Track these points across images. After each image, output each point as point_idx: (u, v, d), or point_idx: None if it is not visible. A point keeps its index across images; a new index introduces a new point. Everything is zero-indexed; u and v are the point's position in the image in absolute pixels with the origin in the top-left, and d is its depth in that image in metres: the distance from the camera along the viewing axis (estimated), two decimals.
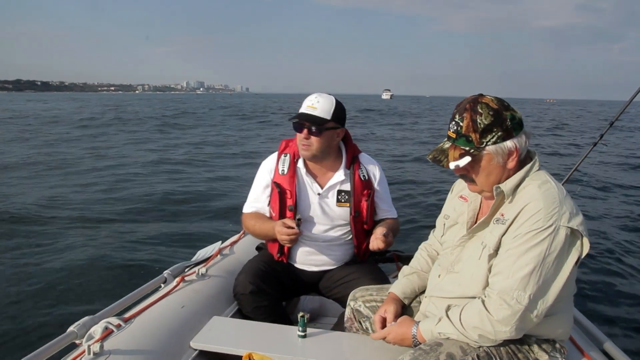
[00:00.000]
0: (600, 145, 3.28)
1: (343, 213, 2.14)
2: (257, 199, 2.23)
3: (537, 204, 1.34)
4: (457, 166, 1.40)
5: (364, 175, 2.16)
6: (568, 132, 23.67)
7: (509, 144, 1.38)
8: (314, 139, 2.04)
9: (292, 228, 1.96)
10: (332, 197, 2.15)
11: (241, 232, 2.84)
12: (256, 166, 2.29)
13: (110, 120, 26.50)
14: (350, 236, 2.18)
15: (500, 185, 1.42)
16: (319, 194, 2.14)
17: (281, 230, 1.98)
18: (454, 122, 1.41)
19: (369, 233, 2.13)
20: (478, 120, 1.36)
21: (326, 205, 2.15)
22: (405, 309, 1.74)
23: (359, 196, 2.14)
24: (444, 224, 1.70)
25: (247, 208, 2.26)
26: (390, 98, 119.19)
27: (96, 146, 15.32)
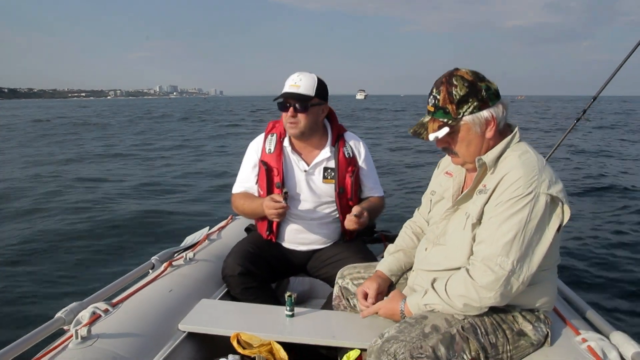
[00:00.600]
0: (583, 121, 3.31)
1: (329, 190, 2.16)
2: (246, 179, 2.24)
3: (516, 172, 1.36)
4: (436, 137, 1.42)
5: (348, 153, 2.18)
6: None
7: (485, 113, 1.40)
8: (300, 116, 2.04)
9: (280, 202, 1.97)
10: (318, 174, 2.16)
11: (229, 217, 2.83)
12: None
13: None
14: (337, 214, 2.19)
15: (482, 156, 1.43)
16: (305, 171, 2.15)
17: (269, 205, 1.99)
18: (431, 97, 1.44)
19: None
20: (454, 92, 1.39)
21: (312, 182, 2.16)
22: (392, 287, 1.75)
23: (343, 173, 2.15)
24: (431, 200, 1.71)
25: (236, 188, 2.27)
26: (365, 98, 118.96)
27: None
